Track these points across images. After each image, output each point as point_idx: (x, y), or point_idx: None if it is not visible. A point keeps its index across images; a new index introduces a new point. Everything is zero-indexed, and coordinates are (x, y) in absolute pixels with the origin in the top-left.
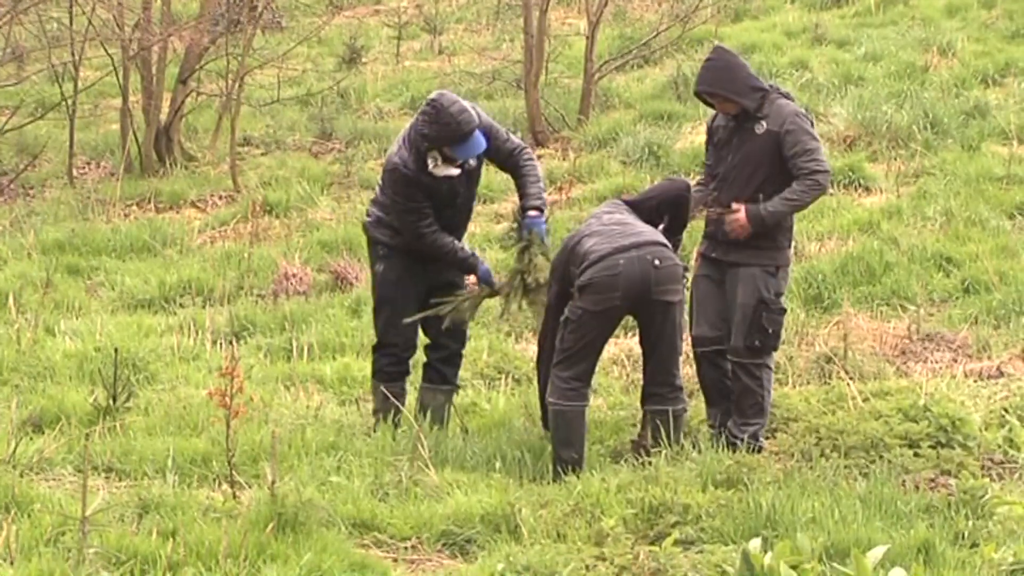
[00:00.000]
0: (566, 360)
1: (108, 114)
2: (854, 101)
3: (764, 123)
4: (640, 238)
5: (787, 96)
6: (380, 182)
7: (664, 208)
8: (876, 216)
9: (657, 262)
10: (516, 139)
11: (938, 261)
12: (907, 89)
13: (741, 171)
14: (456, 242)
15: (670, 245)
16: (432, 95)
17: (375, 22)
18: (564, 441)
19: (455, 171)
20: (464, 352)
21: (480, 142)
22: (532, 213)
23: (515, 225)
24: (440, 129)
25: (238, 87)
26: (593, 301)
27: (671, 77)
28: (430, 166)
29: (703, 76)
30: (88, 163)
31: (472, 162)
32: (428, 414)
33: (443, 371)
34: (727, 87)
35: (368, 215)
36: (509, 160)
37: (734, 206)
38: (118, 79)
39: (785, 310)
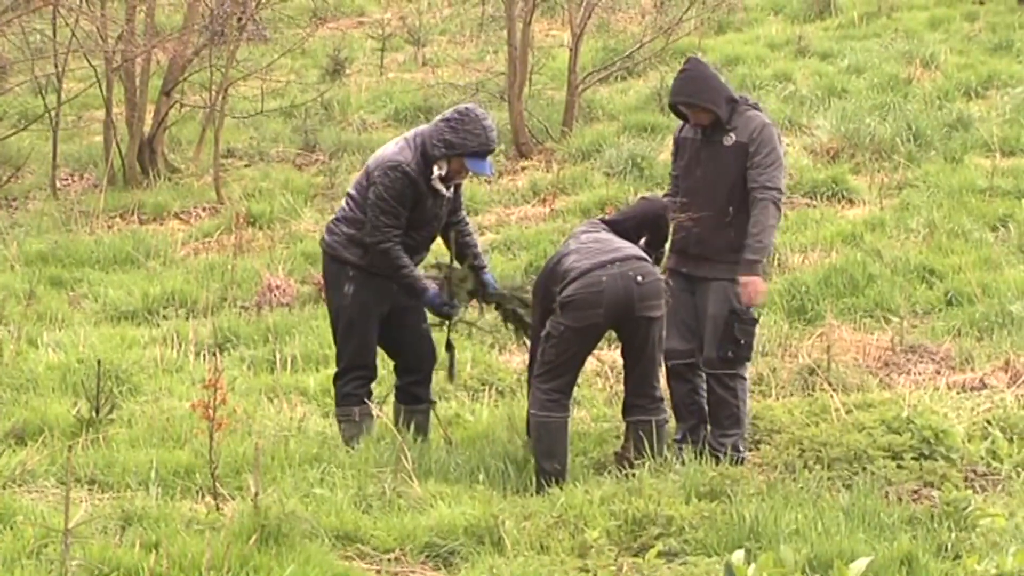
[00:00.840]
0: (547, 373)
1: (91, 126)
2: (837, 113)
3: (733, 135)
4: (620, 253)
5: (756, 107)
6: (352, 197)
7: (644, 227)
8: (859, 228)
9: (640, 278)
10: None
11: (921, 273)
12: (890, 101)
13: (710, 183)
14: (412, 269)
15: (650, 260)
16: (461, 106)
17: (359, 34)
18: (547, 452)
19: (447, 192)
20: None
21: (490, 166)
22: (484, 271)
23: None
24: (467, 136)
25: (222, 99)
26: (575, 318)
27: (654, 89)
28: (433, 173)
29: (680, 87)
30: (71, 175)
31: (450, 192)
32: (412, 430)
33: (418, 392)
34: (704, 96)
35: (332, 234)
36: (454, 208)
37: (741, 279)
38: (101, 91)
39: (757, 320)
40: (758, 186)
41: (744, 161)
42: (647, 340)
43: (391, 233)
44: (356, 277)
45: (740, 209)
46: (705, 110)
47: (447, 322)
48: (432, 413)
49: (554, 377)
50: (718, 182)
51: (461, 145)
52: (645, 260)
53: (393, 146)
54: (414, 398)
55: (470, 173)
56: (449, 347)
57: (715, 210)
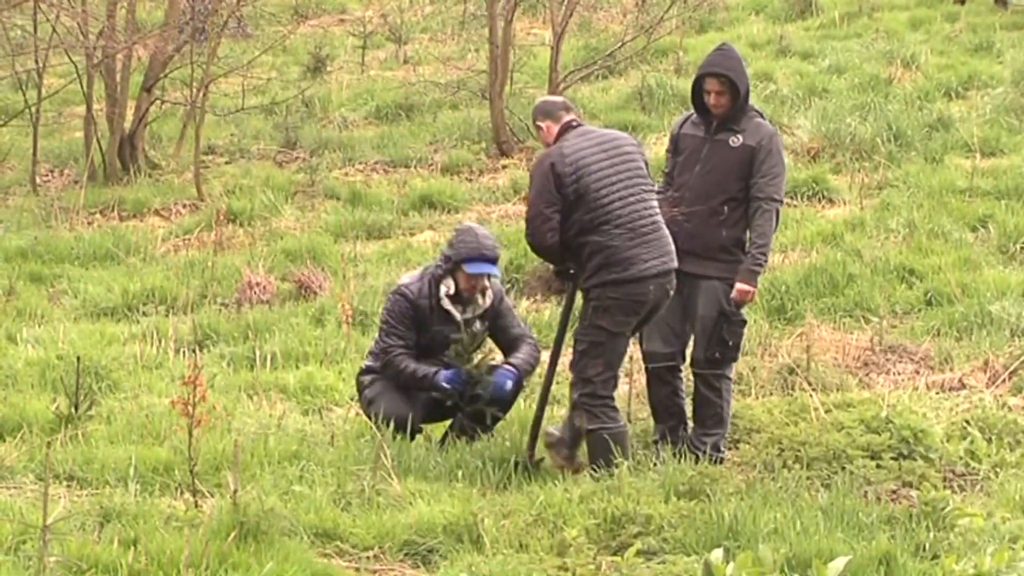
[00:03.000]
0: (600, 383)
1: (72, 122)
2: (818, 113)
3: (740, 137)
4: (669, 264)
5: (762, 115)
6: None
7: None
8: (839, 228)
9: (671, 292)
10: (525, 328)
11: (901, 273)
12: (871, 101)
13: (708, 182)
14: (417, 366)
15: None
16: (458, 225)
17: (340, 31)
18: (611, 461)
19: (458, 313)
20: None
21: (494, 269)
22: (506, 366)
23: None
24: (460, 246)
25: (202, 95)
26: (617, 323)
27: (636, 88)
28: (441, 292)
29: (716, 59)
30: (52, 171)
31: (477, 325)
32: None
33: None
34: (736, 74)
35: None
36: (512, 342)
37: (738, 286)
38: (82, 87)
39: (745, 322)
40: (764, 196)
41: (747, 164)
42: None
43: (395, 351)
44: (371, 383)
45: (734, 209)
46: (732, 89)
47: (462, 399)
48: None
49: (605, 387)
50: (717, 180)
51: (456, 255)
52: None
53: (408, 275)
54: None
55: (481, 284)
56: (471, 427)
57: (709, 208)
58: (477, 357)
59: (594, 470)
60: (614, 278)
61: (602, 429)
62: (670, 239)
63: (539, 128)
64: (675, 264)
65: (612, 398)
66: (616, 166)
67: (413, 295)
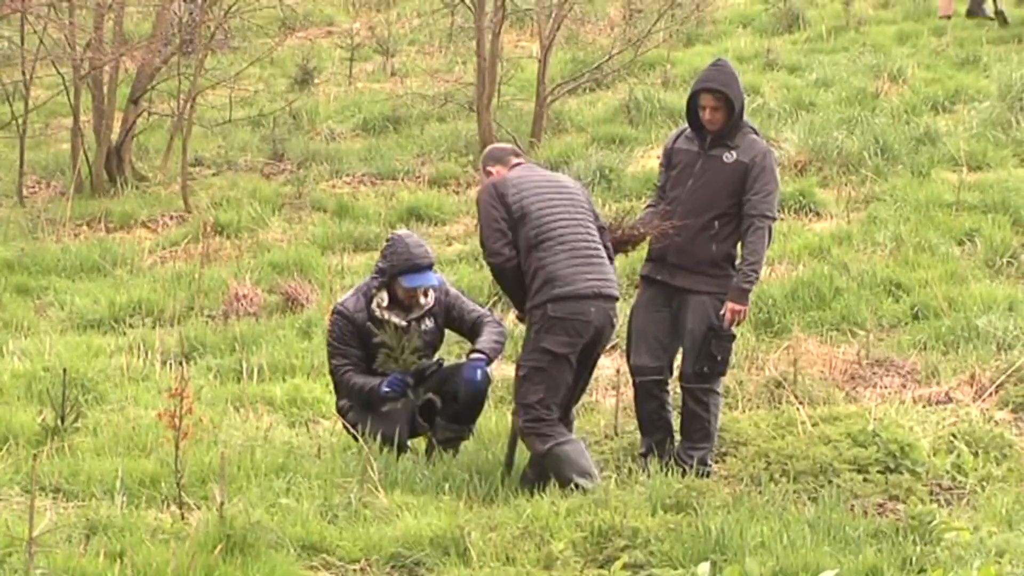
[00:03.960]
0: (543, 408)
1: (59, 133)
2: (805, 126)
3: (734, 153)
4: (609, 289)
5: (756, 131)
6: None
7: None
8: (826, 241)
9: (614, 321)
10: (482, 309)
11: (888, 287)
12: (858, 115)
13: (701, 197)
14: (364, 381)
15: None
16: (392, 233)
17: (327, 43)
18: (582, 472)
19: (402, 321)
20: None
21: (431, 278)
22: (475, 356)
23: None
24: (394, 258)
25: (190, 107)
26: (560, 343)
27: (623, 101)
28: (373, 305)
29: (711, 75)
30: (38, 182)
31: (428, 324)
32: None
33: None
34: (732, 91)
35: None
36: (473, 327)
37: (729, 305)
38: (69, 99)
39: (734, 337)
40: (757, 213)
41: (740, 181)
42: (587, 373)
43: (342, 371)
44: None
45: (725, 225)
46: (727, 105)
47: (411, 397)
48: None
49: (548, 408)
50: (709, 196)
51: (390, 268)
52: (617, 300)
53: (345, 294)
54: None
55: (422, 292)
56: (424, 427)
57: (700, 223)
58: (412, 356)
59: (573, 487)
60: (556, 293)
61: (556, 446)
62: (611, 271)
63: (488, 173)
64: (615, 292)
65: (556, 420)
66: (560, 193)
67: (349, 311)
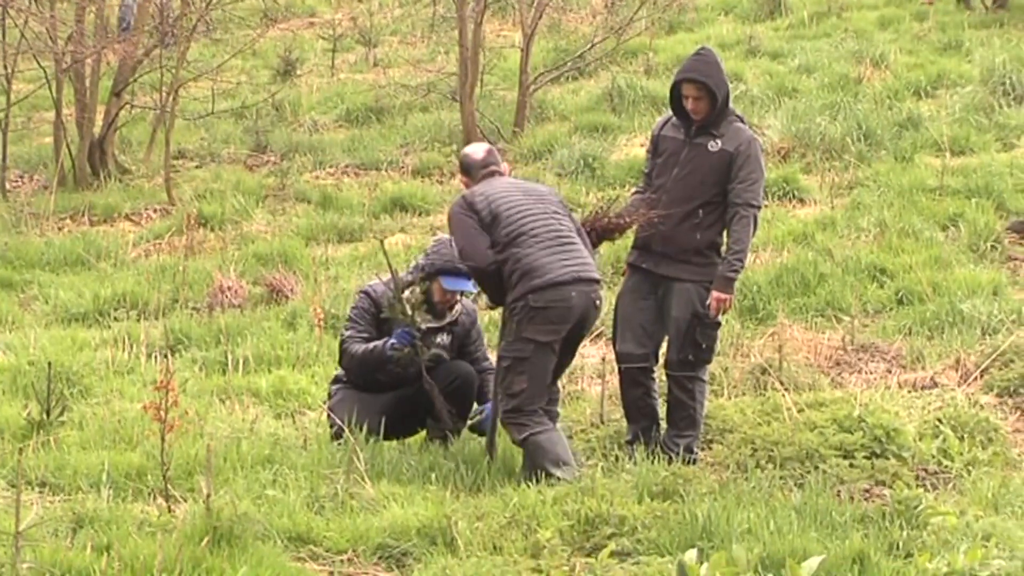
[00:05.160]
0: (525, 398)
1: (41, 127)
2: (788, 113)
3: (719, 141)
4: (588, 272)
5: (742, 120)
6: None
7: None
8: (810, 227)
9: (597, 303)
10: (491, 362)
11: (872, 272)
12: (841, 101)
13: (686, 185)
14: (367, 344)
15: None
16: (439, 234)
17: (310, 35)
18: (556, 462)
19: (419, 319)
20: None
21: (469, 285)
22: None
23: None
24: (438, 257)
25: (172, 100)
26: (544, 331)
27: (606, 89)
28: (405, 294)
29: (693, 65)
30: (21, 176)
31: (444, 338)
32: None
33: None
34: (714, 80)
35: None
36: (477, 372)
37: (715, 294)
38: (51, 92)
39: (719, 324)
40: (741, 202)
41: (725, 169)
42: (569, 357)
43: (349, 342)
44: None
45: (709, 213)
46: (709, 95)
47: (417, 354)
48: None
49: (530, 400)
50: (694, 184)
51: (431, 266)
52: (600, 283)
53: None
54: None
55: (454, 296)
56: (430, 384)
57: (685, 211)
58: (414, 310)
59: (535, 478)
60: (535, 284)
61: (531, 435)
62: (588, 256)
63: (464, 182)
64: (595, 275)
65: (538, 411)
66: (527, 194)
67: (376, 293)
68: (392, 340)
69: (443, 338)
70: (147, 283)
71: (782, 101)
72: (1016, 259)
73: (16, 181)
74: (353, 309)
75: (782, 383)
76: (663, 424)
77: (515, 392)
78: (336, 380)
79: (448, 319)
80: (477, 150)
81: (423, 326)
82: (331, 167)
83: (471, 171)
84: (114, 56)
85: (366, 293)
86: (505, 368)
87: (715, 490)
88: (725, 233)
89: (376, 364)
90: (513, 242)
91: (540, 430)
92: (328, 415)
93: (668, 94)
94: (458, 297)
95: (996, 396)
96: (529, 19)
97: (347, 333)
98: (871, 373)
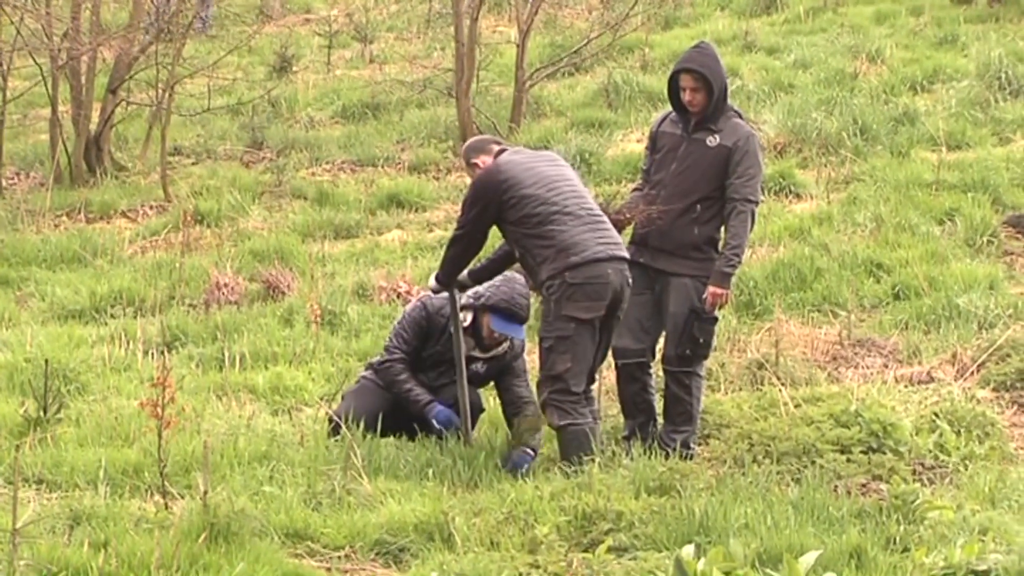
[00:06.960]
0: (570, 378)
1: (37, 124)
2: (784, 108)
3: (717, 136)
4: (621, 251)
5: (740, 115)
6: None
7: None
8: (807, 222)
9: (629, 282)
10: (530, 392)
11: (868, 267)
12: (837, 96)
13: (684, 180)
14: (414, 388)
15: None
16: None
17: (305, 31)
18: (582, 457)
19: (472, 352)
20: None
21: (519, 331)
22: (526, 450)
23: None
24: (496, 293)
25: (168, 96)
26: (584, 308)
27: (602, 85)
28: (461, 315)
29: (692, 56)
30: (17, 173)
31: (480, 367)
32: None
33: None
34: (712, 72)
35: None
36: (513, 401)
37: (711, 289)
38: (47, 89)
39: (716, 319)
40: (740, 198)
41: (723, 164)
42: (606, 338)
43: (395, 355)
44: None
45: (707, 208)
46: (707, 87)
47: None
48: None
49: (577, 382)
50: (692, 180)
51: (487, 299)
52: (628, 260)
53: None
54: None
55: (503, 336)
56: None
57: (683, 206)
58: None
59: (568, 465)
60: (572, 261)
61: (572, 425)
62: (616, 234)
63: (475, 166)
64: (625, 254)
65: (582, 395)
66: (552, 166)
67: (433, 308)
68: (435, 419)
69: (479, 366)
70: (144, 280)
71: (778, 96)
72: (1012, 253)
73: (12, 178)
74: (406, 317)
75: (779, 378)
76: (660, 419)
77: (558, 372)
78: (370, 366)
79: (492, 354)
80: (480, 136)
81: (467, 352)
82: (327, 163)
83: (483, 149)
84: (110, 53)
85: (423, 305)
86: (547, 349)
87: (712, 485)
88: (723, 229)
89: (409, 406)
90: (549, 219)
91: (580, 422)
92: (327, 413)
93: (666, 87)
94: (507, 337)
95: (993, 390)
96: (525, 15)
97: (395, 343)
98: (868, 368)
